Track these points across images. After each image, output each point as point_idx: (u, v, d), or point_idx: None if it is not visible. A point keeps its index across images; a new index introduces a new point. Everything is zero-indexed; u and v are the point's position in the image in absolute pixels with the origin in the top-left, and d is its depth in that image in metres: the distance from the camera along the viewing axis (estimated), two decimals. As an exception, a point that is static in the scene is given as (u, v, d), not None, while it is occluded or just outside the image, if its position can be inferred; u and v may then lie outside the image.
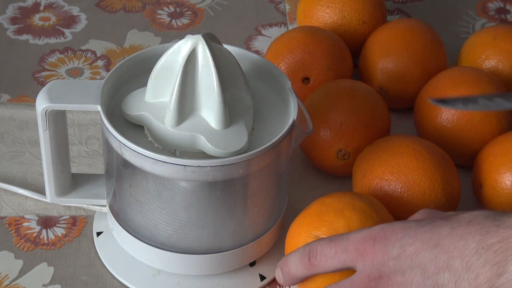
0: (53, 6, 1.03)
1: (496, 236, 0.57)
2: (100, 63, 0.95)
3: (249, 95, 0.68)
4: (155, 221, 0.70)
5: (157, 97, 0.67)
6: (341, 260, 0.62)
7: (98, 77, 0.93)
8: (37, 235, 0.76)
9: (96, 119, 0.88)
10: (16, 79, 0.93)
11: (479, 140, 0.80)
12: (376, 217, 0.66)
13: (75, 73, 0.94)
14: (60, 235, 0.76)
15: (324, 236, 0.66)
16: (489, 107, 0.69)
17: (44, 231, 0.76)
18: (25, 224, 0.77)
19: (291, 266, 0.65)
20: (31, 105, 0.88)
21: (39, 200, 0.79)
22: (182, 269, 0.71)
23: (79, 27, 1.01)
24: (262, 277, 0.73)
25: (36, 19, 1.01)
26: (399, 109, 0.90)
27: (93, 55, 0.96)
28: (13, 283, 0.72)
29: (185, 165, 0.63)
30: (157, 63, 0.66)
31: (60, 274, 0.73)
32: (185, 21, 1.03)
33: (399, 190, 0.73)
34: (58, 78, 0.93)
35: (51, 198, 0.75)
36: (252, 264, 0.73)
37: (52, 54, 0.96)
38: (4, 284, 0.72)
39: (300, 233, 0.68)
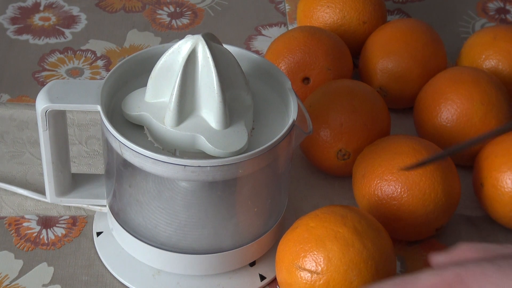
0: (53, 6, 1.03)
1: None
2: (100, 63, 0.95)
3: (249, 95, 0.68)
4: (155, 221, 0.70)
5: (157, 97, 0.67)
6: None
7: (98, 77, 0.93)
8: (37, 235, 0.76)
9: (96, 119, 0.88)
10: (16, 79, 0.93)
11: (479, 140, 0.80)
12: (360, 245, 0.65)
13: (75, 73, 0.94)
14: (60, 235, 0.76)
15: (306, 268, 0.65)
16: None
17: (44, 231, 0.76)
18: (25, 224, 0.77)
19: None
20: (31, 105, 0.88)
21: (39, 200, 0.79)
22: (182, 269, 0.71)
23: (79, 27, 1.01)
24: (262, 277, 0.73)
25: (36, 19, 1.01)
26: (399, 109, 0.90)
27: (93, 55, 0.96)
28: (13, 283, 0.72)
29: (185, 165, 0.63)
30: (157, 63, 0.66)
31: (60, 274, 0.73)
32: (185, 21, 1.03)
33: (399, 190, 0.73)
34: (58, 78, 0.93)
35: (51, 198, 0.75)
36: (252, 264, 0.73)
37: (52, 54, 0.96)
38: (4, 284, 0.72)
39: (284, 258, 0.68)
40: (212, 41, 0.65)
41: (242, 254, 0.71)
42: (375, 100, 0.81)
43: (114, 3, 1.05)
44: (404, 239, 0.77)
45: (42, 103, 0.68)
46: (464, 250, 0.60)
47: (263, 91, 0.72)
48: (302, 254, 0.66)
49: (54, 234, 0.76)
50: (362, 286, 0.65)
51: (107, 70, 0.94)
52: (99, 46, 0.98)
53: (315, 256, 0.65)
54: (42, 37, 0.98)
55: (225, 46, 0.67)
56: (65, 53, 0.96)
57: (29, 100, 0.90)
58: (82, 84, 0.70)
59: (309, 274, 0.65)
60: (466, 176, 0.82)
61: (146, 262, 0.72)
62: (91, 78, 0.93)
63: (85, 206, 0.77)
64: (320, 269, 0.65)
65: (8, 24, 1.00)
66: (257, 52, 0.98)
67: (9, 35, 0.99)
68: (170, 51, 0.66)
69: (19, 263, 0.74)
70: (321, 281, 0.65)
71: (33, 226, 0.77)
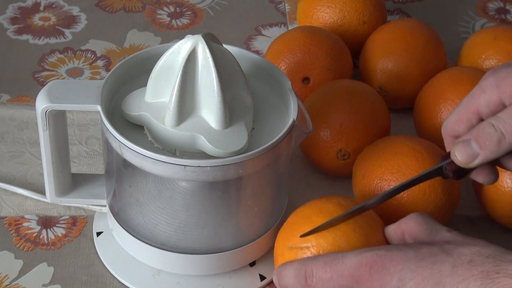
0: (53, 6, 1.03)
1: (497, 283, 0.56)
2: (100, 63, 0.95)
3: (249, 95, 0.68)
4: (155, 221, 0.70)
5: (157, 97, 0.67)
6: (337, 285, 0.62)
7: (98, 77, 0.93)
8: (37, 235, 0.76)
9: (96, 119, 0.88)
10: (16, 79, 0.93)
11: (479, 140, 0.80)
12: (348, 218, 0.66)
13: (75, 73, 0.94)
14: (60, 235, 0.76)
15: (297, 246, 0.66)
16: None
17: (44, 231, 0.76)
18: (25, 224, 0.77)
19: (287, 281, 0.64)
20: (31, 105, 0.88)
21: (39, 200, 0.79)
22: (182, 269, 0.71)
23: (79, 27, 1.01)
24: (262, 277, 0.73)
25: (36, 19, 1.01)
26: (399, 109, 0.90)
27: (93, 55, 0.96)
28: (13, 283, 0.72)
29: (185, 165, 0.63)
30: (157, 63, 0.66)
31: (60, 274, 0.73)
32: (185, 21, 1.03)
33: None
34: (58, 78, 0.93)
35: (51, 198, 0.75)
36: (252, 264, 0.73)
37: (52, 54, 0.96)
38: (4, 284, 0.72)
39: (278, 245, 0.68)
40: (212, 41, 0.65)
41: (242, 254, 0.71)
42: (375, 100, 0.81)
43: (114, 3, 1.05)
44: (404, 239, 0.77)
45: (42, 103, 0.68)
46: (411, 219, 0.65)
47: (263, 91, 0.72)
48: (291, 234, 0.67)
49: (54, 234, 0.76)
50: (284, 262, 0.66)
51: (107, 70, 0.94)
52: (99, 46, 0.98)
53: (302, 231, 0.66)
54: (42, 37, 0.99)
55: (225, 46, 0.68)
56: (65, 53, 0.96)
57: (29, 100, 0.90)
58: (82, 84, 0.70)
59: (299, 250, 0.66)
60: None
61: (146, 262, 0.72)
62: (91, 78, 0.93)
63: (85, 206, 0.77)
64: (309, 243, 0.65)
65: (8, 24, 1.01)
66: (257, 52, 0.98)
67: (9, 35, 0.99)
68: (170, 51, 0.66)
69: (19, 263, 0.74)
70: (312, 253, 0.65)
71: (33, 226, 0.77)
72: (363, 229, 0.66)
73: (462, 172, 0.64)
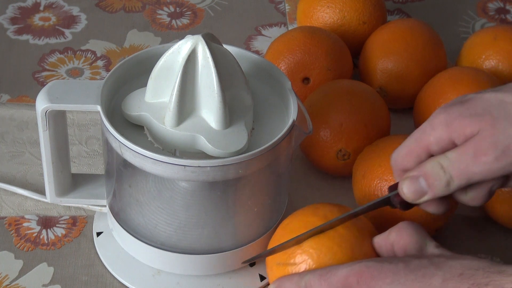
0: (53, 6, 1.03)
1: None
2: (100, 63, 0.95)
3: (249, 95, 0.68)
4: (155, 221, 0.70)
5: (157, 97, 0.67)
6: None
7: (98, 77, 0.93)
8: (37, 235, 0.76)
9: (96, 119, 0.88)
10: (16, 79, 0.93)
11: (479, 140, 0.80)
12: (330, 230, 0.65)
13: (75, 73, 0.94)
14: (60, 235, 0.76)
15: (283, 262, 0.66)
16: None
17: (44, 231, 0.77)
18: (25, 224, 0.77)
19: None
20: (31, 105, 0.88)
21: (39, 200, 0.79)
22: (182, 269, 0.71)
23: (79, 27, 1.01)
24: (262, 277, 0.73)
25: (36, 19, 1.01)
26: (399, 109, 0.90)
27: (93, 55, 0.96)
28: (13, 283, 0.72)
29: (185, 165, 0.63)
30: (157, 63, 0.66)
31: (60, 274, 0.73)
32: (185, 21, 1.03)
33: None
34: (58, 78, 0.93)
35: (51, 198, 0.75)
36: (252, 264, 0.73)
37: (52, 54, 0.96)
38: (4, 284, 0.72)
39: (268, 259, 0.68)
40: (212, 41, 0.65)
41: (242, 254, 0.71)
42: (375, 100, 0.81)
43: (114, 3, 1.05)
44: (404, 239, 0.76)
45: (42, 103, 0.68)
46: (403, 228, 0.64)
47: (263, 91, 0.72)
48: (278, 250, 0.67)
49: (54, 234, 0.76)
50: (280, 277, 0.65)
51: (107, 70, 0.94)
52: (99, 46, 0.98)
53: (290, 250, 0.66)
54: (42, 37, 0.99)
55: (225, 46, 0.68)
56: (65, 53, 0.96)
57: (29, 100, 0.90)
58: (82, 84, 0.70)
59: (286, 267, 0.66)
60: (466, 176, 0.82)
61: (146, 262, 0.72)
62: (91, 78, 0.93)
63: (85, 206, 0.77)
64: (295, 260, 0.65)
65: (8, 24, 1.01)
66: (257, 52, 0.98)
67: (9, 35, 0.99)
68: (170, 51, 0.66)
69: (19, 263, 0.74)
70: (297, 270, 0.65)
71: (33, 226, 0.77)
72: (349, 243, 0.65)
73: (410, 204, 0.63)
